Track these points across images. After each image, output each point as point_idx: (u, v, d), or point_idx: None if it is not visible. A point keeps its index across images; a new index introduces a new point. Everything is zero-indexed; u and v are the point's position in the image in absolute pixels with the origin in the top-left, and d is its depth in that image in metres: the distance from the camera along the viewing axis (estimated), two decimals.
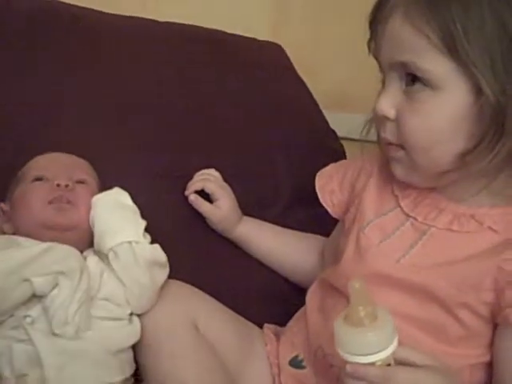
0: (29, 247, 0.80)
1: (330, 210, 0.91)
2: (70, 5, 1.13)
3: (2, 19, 1.07)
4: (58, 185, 0.87)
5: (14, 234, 0.86)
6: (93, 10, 1.15)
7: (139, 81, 1.09)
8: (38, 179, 0.88)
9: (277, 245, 1.02)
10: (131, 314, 0.85)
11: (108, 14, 1.15)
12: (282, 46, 1.21)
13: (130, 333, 0.84)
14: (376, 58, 0.72)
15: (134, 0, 1.28)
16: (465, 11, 0.63)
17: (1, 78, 1.03)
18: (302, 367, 0.86)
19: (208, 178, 0.99)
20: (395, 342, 0.63)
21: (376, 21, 0.70)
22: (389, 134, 0.72)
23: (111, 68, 1.09)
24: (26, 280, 0.76)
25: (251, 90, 1.12)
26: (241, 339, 0.90)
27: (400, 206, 0.77)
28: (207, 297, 0.91)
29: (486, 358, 0.72)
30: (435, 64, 0.65)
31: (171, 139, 1.05)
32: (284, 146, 1.09)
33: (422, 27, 0.65)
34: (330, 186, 0.91)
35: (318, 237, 1.02)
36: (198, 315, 0.86)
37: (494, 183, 0.70)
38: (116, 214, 0.87)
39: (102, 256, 0.85)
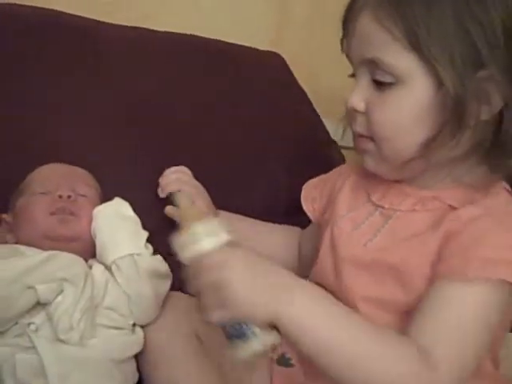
0: (32, 255, 0.80)
1: (310, 215, 0.94)
2: (71, 15, 1.13)
3: (2, 28, 1.07)
4: (61, 196, 0.87)
5: (16, 243, 0.86)
6: (94, 20, 1.15)
7: (139, 90, 1.10)
8: (41, 192, 0.89)
9: (253, 234, 1.00)
10: (134, 325, 0.85)
11: (110, 24, 1.15)
12: (282, 54, 1.22)
13: (134, 342, 0.84)
14: (347, 56, 0.76)
15: (135, 10, 1.28)
16: (427, 10, 0.67)
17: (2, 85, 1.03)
18: (291, 365, 0.86)
19: (182, 179, 0.97)
20: (225, 235, 0.67)
21: (347, 20, 0.74)
22: (359, 126, 0.75)
23: (112, 77, 1.10)
24: (30, 287, 0.76)
25: (251, 100, 1.12)
26: None
27: (371, 201, 0.80)
28: None
29: None
30: (399, 59, 0.69)
31: (169, 149, 1.05)
32: (284, 157, 1.10)
33: (387, 25, 0.68)
34: (312, 194, 0.94)
35: (296, 228, 1.02)
36: (200, 326, 0.86)
37: (457, 171, 0.73)
38: (117, 226, 0.87)
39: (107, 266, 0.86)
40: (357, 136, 0.77)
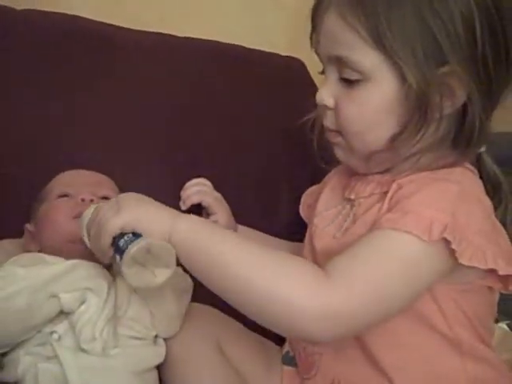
0: (56, 264, 0.79)
1: (306, 220, 0.95)
2: (88, 19, 1.13)
3: (21, 34, 1.07)
4: (83, 199, 0.87)
5: (39, 252, 0.86)
6: (110, 24, 1.15)
7: (157, 95, 1.09)
8: (62, 196, 0.88)
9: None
10: (156, 336, 0.84)
11: (126, 28, 1.15)
12: (302, 59, 1.21)
13: (156, 353, 0.83)
14: (316, 52, 0.78)
15: (152, 15, 1.28)
16: (388, 6, 0.69)
17: (18, 92, 1.03)
18: (294, 365, 0.86)
19: (203, 191, 0.97)
20: None
21: (314, 17, 0.76)
22: (329, 121, 0.77)
23: (129, 82, 1.09)
24: (54, 296, 0.76)
25: (271, 106, 1.11)
26: (263, 360, 0.90)
27: (344, 197, 0.82)
28: (230, 319, 0.91)
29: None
30: (364, 56, 0.70)
31: (187, 158, 1.05)
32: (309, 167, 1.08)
33: (352, 22, 0.70)
34: (308, 201, 0.97)
35: None
36: (222, 337, 0.87)
37: (424, 159, 0.74)
38: None
39: None
40: (327, 130, 0.79)
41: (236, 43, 1.18)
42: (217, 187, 0.97)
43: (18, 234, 0.91)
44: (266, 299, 0.66)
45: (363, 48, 0.70)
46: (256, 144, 1.10)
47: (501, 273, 0.68)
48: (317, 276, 0.66)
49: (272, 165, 1.10)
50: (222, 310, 0.90)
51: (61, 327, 0.77)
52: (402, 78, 0.69)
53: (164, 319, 0.83)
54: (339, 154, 0.80)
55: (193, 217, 0.74)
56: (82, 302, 0.77)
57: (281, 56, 1.18)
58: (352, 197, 0.80)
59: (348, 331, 0.68)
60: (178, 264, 0.85)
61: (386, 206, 0.72)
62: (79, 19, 1.13)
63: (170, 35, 1.15)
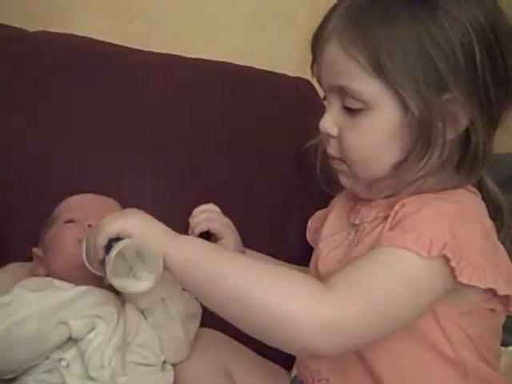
0: (65, 290, 0.80)
1: (312, 245, 0.95)
2: (100, 41, 1.14)
3: (35, 55, 1.08)
4: (90, 225, 0.87)
5: (47, 276, 0.86)
6: (122, 46, 1.15)
7: (169, 117, 1.09)
8: (69, 221, 0.89)
9: None
10: (164, 361, 0.84)
11: (138, 50, 1.15)
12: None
13: (164, 379, 0.83)
14: (317, 81, 0.79)
15: (163, 37, 1.29)
16: (389, 37, 0.69)
17: (34, 117, 1.04)
18: None
19: (211, 218, 0.96)
20: None
21: (315, 47, 0.77)
22: (332, 149, 0.78)
23: (142, 104, 1.09)
24: (64, 323, 0.76)
25: (281, 129, 1.11)
26: None
27: (350, 223, 0.82)
28: (238, 344, 0.91)
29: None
30: (366, 86, 0.71)
31: (193, 178, 1.05)
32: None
33: (353, 53, 0.71)
34: (315, 225, 0.97)
35: None
36: (230, 363, 0.87)
37: (429, 183, 0.74)
38: None
39: None
40: (331, 157, 0.80)
41: (246, 63, 1.17)
42: (227, 213, 0.97)
43: (27, 259, 0.92)
44: (266, 311, 0.65)
45: (364, 78, 0.71)
46: (267, 169, 1.09)
47: (500, 292, 0.68)
48: (318, 288, 0.66)
49: (284, 190, 1.09)
50: (230, 335, 0.90)
51: (69, 354, 0.77)
52: (405, 107, 0.70)
53: (172, 345, 0.84)
54: (343, 180, 0.81)
55: (192, 237, 0.75)
56: (91, 329, 0.77)
57: (289, 77, 1.17)
58: (356, 222, 0.80)
59: (349, 344, 0.67)
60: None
61: (387, 226, 0.72)
62: (93, 41, 1.13)
63: (180, 56, 1.15)
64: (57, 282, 0.83)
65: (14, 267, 0.92)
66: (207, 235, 0.95)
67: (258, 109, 1.11)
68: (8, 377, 0.78)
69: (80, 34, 1.13)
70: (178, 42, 1.27)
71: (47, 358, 0.77)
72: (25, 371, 0.77)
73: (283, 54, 1.31)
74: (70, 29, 1.15)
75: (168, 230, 0.73)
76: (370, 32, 0.70)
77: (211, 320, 0.87)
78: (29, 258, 0.92)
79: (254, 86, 1.14)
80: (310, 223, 0.99)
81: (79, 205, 0.91)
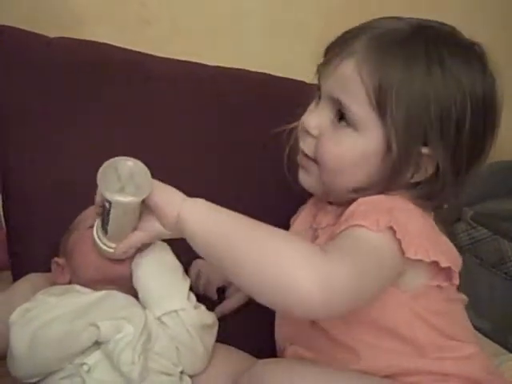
0: (89, 293, 0.80)
1: None
2: (119, 48, 1.15)
3: (57, 61, 1.09)
4: None
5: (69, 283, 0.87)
6: (141, 52, 1.16)
7: (191, 125, 1.10)
8: (93, 227, 0.88)
9: None
10: (182, 372, 0.84)
11: (158, 57, 1.16)
12: None
13: None
14: (318, 81, 0.81)
15: (183, 44, 1.30)
16: (402, 82, 0.73)
17: (53, 127, 1.05)
18: None
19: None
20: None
21: (332, 55, 0.78)
22: (307, 146, 0.81)
23: (163, 112, 1.10)
24: (93, 325, 0.76)
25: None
26: None
27: (311, 226, 0.86)
28: (250, 357, 0.92)
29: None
30: (363, 112, 0.75)
31: (209, 184, 1.04)
32: None
33: (366, 80, 0.74)
34: (294, 220, 0.96)
35: None
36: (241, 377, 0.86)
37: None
38: (160, 280, 0.84)
39: None
40: (302, 153, 0.82)
41: (261, 70, 1.18)
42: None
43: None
44: (267, 265, 0.67)
45: (365, 105, 0.75)
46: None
47: (442, 265, 0.73)
48: (316, 252, 0.68)
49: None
50: (243, 349, 0.92)
51: (91, 359, 0.77)
52: (388, 144, 0.75)
53: (190, 355, 0.83)
54: (303, 178, 0.83)
55: (207, 203, 0.76)
56: (119, 332, 0.77)
57: (308, 84, 1.18)
58: (314, 226, 0.85)
59: (343, 306, 0.69)
60: (199, 299, 0.86)
61: (337, 226, 0.75)
62: (110, 47, 1.14)
63: (200, 64, 1.16)
64: (78, 287, 0.84)
65: (33, 277, 0.92)
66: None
67: (274, 115, 1.11)
68: (33, 380, 0.78)
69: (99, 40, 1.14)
70: (192, 49, 1.26)
71: (70, 363, 0.77)
72: (45, 377, 0.77)
73: (297, 65, 1.31)
74: (91, 36, 1.15)
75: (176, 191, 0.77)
76: (388, 70, 0.74)
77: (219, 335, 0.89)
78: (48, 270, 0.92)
79: (273, 93, 1.15)
80: (292, 219, 0.98)
81: None
